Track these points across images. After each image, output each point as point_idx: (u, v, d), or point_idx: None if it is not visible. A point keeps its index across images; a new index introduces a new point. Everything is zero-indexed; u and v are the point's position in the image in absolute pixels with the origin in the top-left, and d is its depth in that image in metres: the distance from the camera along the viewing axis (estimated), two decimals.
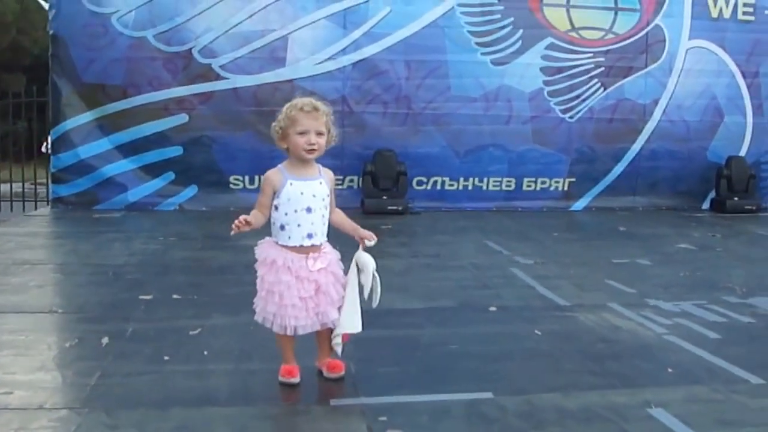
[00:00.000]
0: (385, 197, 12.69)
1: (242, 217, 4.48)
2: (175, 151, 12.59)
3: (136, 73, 12.37)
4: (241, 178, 12.80)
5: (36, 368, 4.91)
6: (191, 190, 12.79)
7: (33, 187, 13.00)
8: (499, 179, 13.58)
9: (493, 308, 6.66)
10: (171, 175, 12.71)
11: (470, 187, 13.55)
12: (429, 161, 13.24)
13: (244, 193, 12.64)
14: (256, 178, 12.54)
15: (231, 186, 12.84)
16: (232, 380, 4.76)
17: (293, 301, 4.48)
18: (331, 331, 4.65)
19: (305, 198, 4.54)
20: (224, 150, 12.67)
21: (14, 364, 4.99)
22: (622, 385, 4.81)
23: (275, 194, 4.56)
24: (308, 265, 4.53)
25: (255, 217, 4.55)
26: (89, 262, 8.34)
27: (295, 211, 4.53)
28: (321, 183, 4.62)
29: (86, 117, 12.42)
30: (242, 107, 12.56)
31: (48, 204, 12.66)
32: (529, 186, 13.71)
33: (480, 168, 13.47)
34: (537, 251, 9.48)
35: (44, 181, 12.95)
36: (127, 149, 12.51)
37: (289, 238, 4.54)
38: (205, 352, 5.30)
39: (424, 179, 13.42)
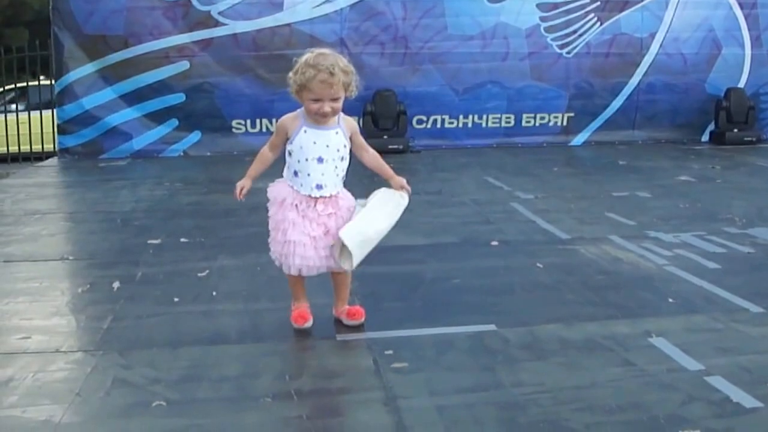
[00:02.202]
0: (385, 137, 12.73)
1: (238, 185, 4.52)
2: (178, 98, 12.64)
3: (137, 22, 12.39)
4: (243, 122, 12.87)
5: (51, 314, 5.02)
6: (195, 136, 12.86)
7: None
8: (498, 116, 13.61)
9: (494, 243, 6.74)
10: (174, 122, 12.78)
11: (470, 125, 13.60)
12: (428, 100, 13.27)
13: (247, 137, 12.76)
14: (258, 121, 12.63)
15: (233, 130, 12.92)
16: (240, 319, 4.85)
17: (298, 237, 4.38)
18: (344, 276, 4.64)
19: (317, 147, 4.41)
20: (226, 95, 12.73)
21: (30, 310, 5.10)
22: (623, 316, 4.89)
23: (289, 139, 4.46)
24: (317, 208, 4.42)
25: (257, 166, 4.58)
26: (98, 210, 8.44)
27: (306, 159, 4.41)
28: (337, 133, 4.48)
29: (89, 68, 12.48)
30: (242, 52, 12.59)
31: (55, 155, 12.72)
32: (528, 122, 13.74)
33: (479, 105, 13.50)
34: (537, 186, 9.55)
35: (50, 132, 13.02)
36: (131, 98, 12.58)
37: (301, 185, 4.44)
38: (214, 293, 5.40)
39: (424, 118, 13.46)
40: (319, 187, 4.42)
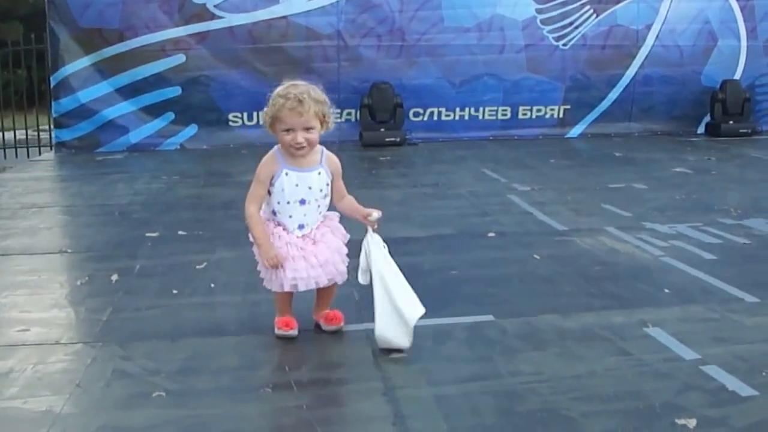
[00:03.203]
0: (382, 129, 12.75)
1: (271, 259, 4.21)
2: (174, 91, 12.63)
3: (132, 15, 12.38)
4: (239, 115, 12.86)
5: (50, 306, 5.05)
6: (191, 129, 12.85)
7: (36, 133, 13.05)
8: (495, 108, 13.61)
9: (492, 234, 6.77)
10: (171, 115, 12.77)
11: (466, 117, 13.60)
12: (425, 92, 13.27)
13: (243, 130, 12.78)
14: (254, 114, 12.62)
15: (230, 123, 12.91)
16: (239, 311, 4.88)
17: (286, 249, 4.23)
18: (333, 286, 4.43)
19: (300, 190, 4.25)
20: (222, 88, 12.72)
21: (29, 303, 5.13)
22: (620, 306, 4.93)
23: (270, 181, 4.28)
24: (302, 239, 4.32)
25: (262, 227, 4.28)
26: (95, 203, 8.47)
27: (288, 202, 4.26)
28: (320, 173, 4.31)
29: (85, 62, 12.45)
30: (238, 45, 12.59)
31: (51, 149, 12.72)
32: (524, 114, 13.75)
33: (475, 97, 13.50)
34: (534, 178, 9.57)
35: (46, 126, 12.99)
36: (127, 91, 12.56)
37: (283, 227, 4.32)
38: (212, 285, 5.43)
39: (421, 110, 13.46)
40: (301, 227, 4.32)
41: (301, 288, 4.28)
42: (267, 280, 4.36)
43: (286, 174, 4.24)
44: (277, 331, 4.40)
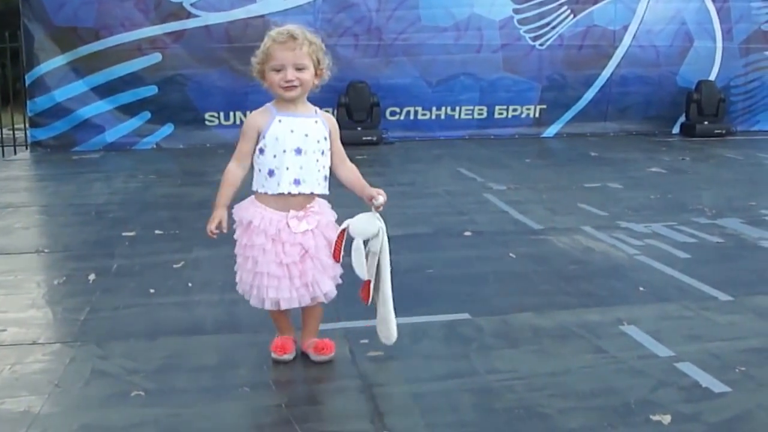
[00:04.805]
0: (359, 128, 12.78)
1: (211, 220, 3.89)
2: (150, 90, 12.58)
3: (108, 14, 12.31)
4: (216, 114, 12.85)
5: (27, 306, 5.04)
6: (168, 129, 12.82)
7: (11, 132, 12.95)
8: (471, 108, 13.67)
9: (468, 233, 6.81)
10: (147, 115, 12.72)
11: (443, 116, 13.65)
12: (401, 92, 13.31)
13: (220, 130, 12.78)
14: (231, 114, 12.62)
15: (206, 123, 12.89)
16: (217, 310, 4.89)
17: (269, 268, 3.84)
18: (318, 308, 4.11)
19: (296, 137, 3.86)
20: (198, 88, 12.69)
21: (5, 303, 5.11)
22: (595, 304, 4.99)
23: (260, 136, 3.89)
24: (290, 225, 3.87)
25: (226, 190, 3.93)
26: (72, 203, 8.43)
27: (284, 151, 3.84)
28: (317, 122, 3.95)
29: (60, 60, 12.37)
30: (215, 44, 12.56)
31: (27, 148, 12.66)
32: (500, 114, 13.80)
33: (452, 97, 13.55)
34: (510, 177, 9.61)
35: (22, 126, 12.89)
36: (103, 90, 12.49)
37: (278, 184, 3.86)
38: (190, 284, 5.44)
39: (397, 110, 13.50)
40: (297, 182, 3.86)
41: (284, 307, 3.94)
42: (246, 293, 4.02)
43: (279, 121, 3.88)
44: (272, 355, 4.10)
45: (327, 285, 3.94)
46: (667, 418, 3.41)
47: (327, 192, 4.01)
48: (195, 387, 3.82)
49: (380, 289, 3.96)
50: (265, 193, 3.90)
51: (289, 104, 3.91)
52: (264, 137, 3.88)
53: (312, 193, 3.93)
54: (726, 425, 3.40)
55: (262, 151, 3.90)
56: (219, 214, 3.89)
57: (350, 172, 4.09)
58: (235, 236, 3.98)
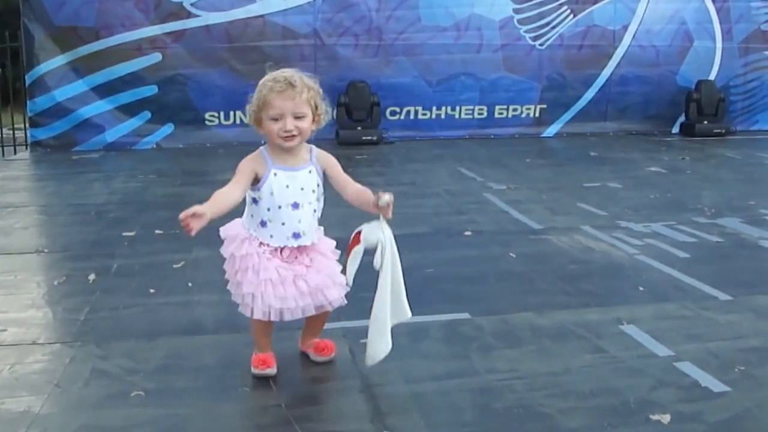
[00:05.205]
0: (359, 128, 12.79)
1: (189, 212, 3.45)
2: (150, 90, 12.57)
3: (108, 14, 12.29)
4: (216, 114, 12.83)
5: (27, 306, 5.03)
6: (168, 128, 12.80)
7: (11, 132, 12.93)
8: (471, 107, 13.67)
9: (468, 233, 6.82)
10: (147, 114, 12.70)
11: (443, 116, 13.64)
12: (402, 91, 13.30)
13: (220, 129, 12.78)
14: (231, 113, 12.63)
15: (206, 122, 12.87)
16: (217, 310, 4.88)
17: (273, 275, 3.72)
18: (325, 313, 3.99)
19: (291, 192, 3.75)
20: (198, 87, 12.68)
21: (5, 303, 5.11)
22: (595, 304, 4.99)
23: (256, 185, 3.77)
24: (284, 256, 3.82)
25: (216, 202, 3.61)
26: (71, 203, 8.42)
27: (279, 207, 3.74)
28: (310, 171, 3.82)
29: (60, 60, 12.35)
30: (215, 44, 12.56)
31: (27, 148, 12.66)
32: (500, 113, 13.80)
33: (452, 97, 13.55)
34: (510, 177, 9.61)
35: (22, 125, 12.88)
36: (103, 90, 12.47)
37: (271, 237, 3.78)
38: (190, 284, 5.44)
39: (397, 109, 13.49)
40: (296, 236, 3.78)
41: (287, 318, 3.79)
42: (243, 304, 3.84)
43: (275, 174, 3.75)
44: (252, 370, 3.93)
45: (333, 292, 3.82)
46: (666, 418, 3.42)
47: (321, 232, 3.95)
48: (194, 387, 3.83)
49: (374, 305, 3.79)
50: (264, 243, 3.80)
51: (284, 153, 3.80)
52: (259, 189, 3.76)
53: (312, 243, 3.85)
54: (725, 425, 3.40)
55: (255, 201, 3.80)
56: (198, 207, 3.49)
57: (355, 192, 3.87)
58: (225, 255, 3.86)
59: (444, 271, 5.71)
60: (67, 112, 12.44)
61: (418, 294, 5.03)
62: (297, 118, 3.69)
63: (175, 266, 5.87)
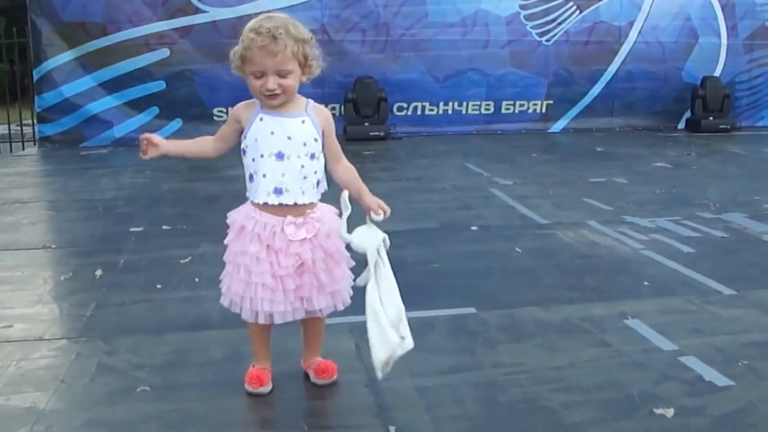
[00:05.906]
0: (366, 124, 12.82)
1: (149, 137, 3.59)
2: (158, 85, 12.62)
3: (116, 9, 12.35)
4: (224, 109, 12.84)
5: (33, 302, 5.05)
6: (176, 124, 12.83)
7: (19, 128, 12.95)
8: (478, 103, 13.70)
9: (474, 228, 6.82)
10: (155, 110, 12.75)
11: (450, 112, 13.67)
12: (409, 87, 13.34)
13: None
14: None
15: (215, 118, 12.88)
16: (223, 305, 4.89)
17: (264, 279, 3.44)
18: (319, 321, 3.78)
19: (276, 139, 3.42)
20: (206, 83, 12.71)
21: (12, 299, 5.13)
22: (600, 298, 4.99)
23: (243, 132, 3.53)
24: (286, 231, 3.45)
25: (185, 143, 3.71)
26: (79, 198, 8.45)
27: (262, 156, 3.42)
28: (304, 122, 3.46)
29: (68, 56, 12.42)
30: (222, 40, 12.51)
31: (35, 144, 12.69)
32: (507, 109, 13.83)
33: (459, 92, 13.60)
34: (516, 172, 9.63)
35: (30, 121, 12.91)
36: (111, 86, 12.53)
37: (256, 191, 3.47)
38: (196, 280, 5.45)
39: (405, 105, 13.52)
40: (277, 191, 3.43)
41: (277, 321, 3.57)
42: (236, 304, 3.62)
43: (261, 119, 3.47)
44: (246, 387, 3.72)
45: (322, 301, 3.56)
46: (670, 412, 3.43)
47: (316, 200, 3.57)
48: (201, 382, 3.84)
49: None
50: (253, 201, 3.52)
51: None
52: (245, 136, 3.51)
53: (296, 204, 3.46)
54: (729, 419, 3.40)
55: (244, 152, 3.53)
56: (158, 138, 3.60)
57: (348, 175, 3.62)
58: (226, 241, 3.62)
59: (450, 266, 5.71)
60: (74, 107, 12.48)
61: (424, 288, 5.09)
62: (281, 75, 3.37)
63: (182, 261, 5.88)
